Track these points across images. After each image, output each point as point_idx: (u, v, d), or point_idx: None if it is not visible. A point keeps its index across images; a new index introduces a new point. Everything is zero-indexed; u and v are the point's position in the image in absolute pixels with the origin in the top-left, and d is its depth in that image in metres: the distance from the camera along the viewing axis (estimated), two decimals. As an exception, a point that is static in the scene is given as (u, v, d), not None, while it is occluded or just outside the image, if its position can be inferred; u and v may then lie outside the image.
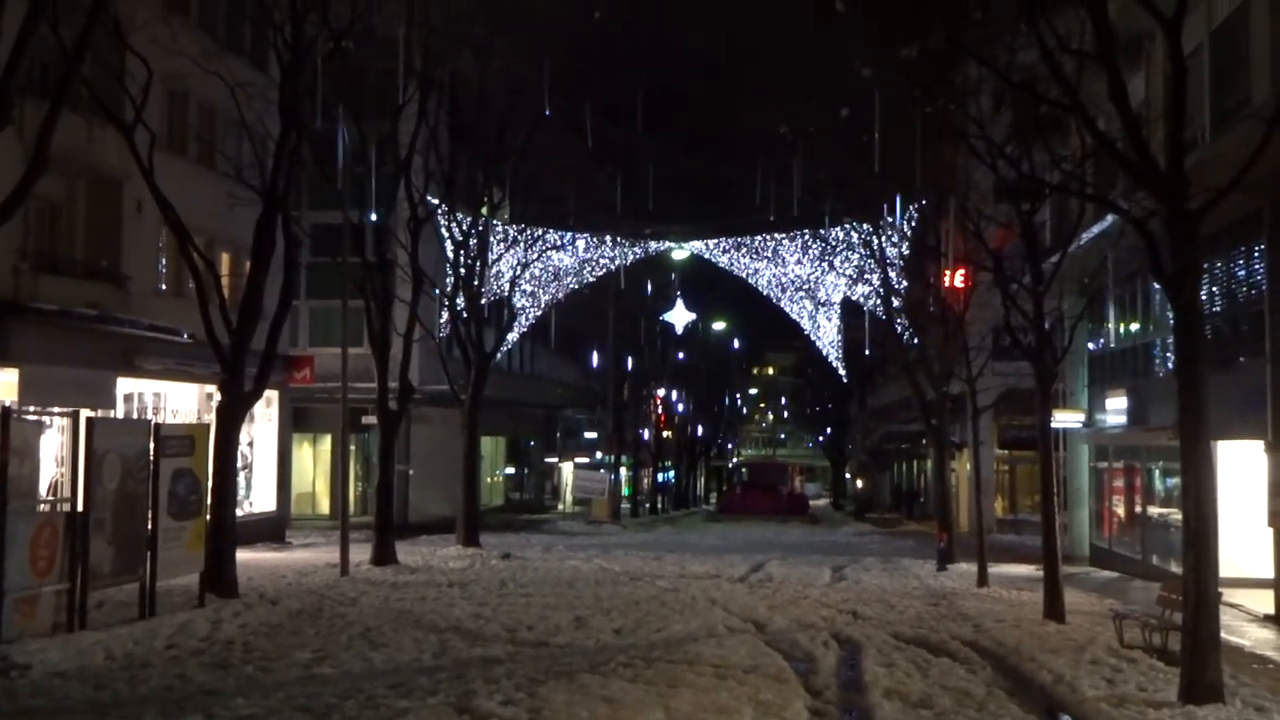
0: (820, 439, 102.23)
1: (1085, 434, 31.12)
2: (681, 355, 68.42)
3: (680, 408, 74.88)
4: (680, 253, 49.46)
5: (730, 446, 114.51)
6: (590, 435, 66.87)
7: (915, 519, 57.16)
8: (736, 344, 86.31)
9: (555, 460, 64.39)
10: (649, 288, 57.47)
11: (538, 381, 57.47)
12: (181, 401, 29.80)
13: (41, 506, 16.23)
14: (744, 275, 46.84)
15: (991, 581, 24.48)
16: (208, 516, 18.71)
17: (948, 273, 30.08)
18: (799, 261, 43.50)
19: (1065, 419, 30.18)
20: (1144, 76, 24.00)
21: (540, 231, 38.56)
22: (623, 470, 58.31)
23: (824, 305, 45.61)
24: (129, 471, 16.20)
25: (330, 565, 25.09)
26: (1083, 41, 14.70)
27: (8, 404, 17.25)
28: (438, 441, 41.00)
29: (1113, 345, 29.29)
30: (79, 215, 26.10)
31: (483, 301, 34.74)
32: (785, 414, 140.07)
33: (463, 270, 33.15)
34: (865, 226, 35.04)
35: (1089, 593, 23.19)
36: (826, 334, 47.12)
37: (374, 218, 28.14)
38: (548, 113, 32.26)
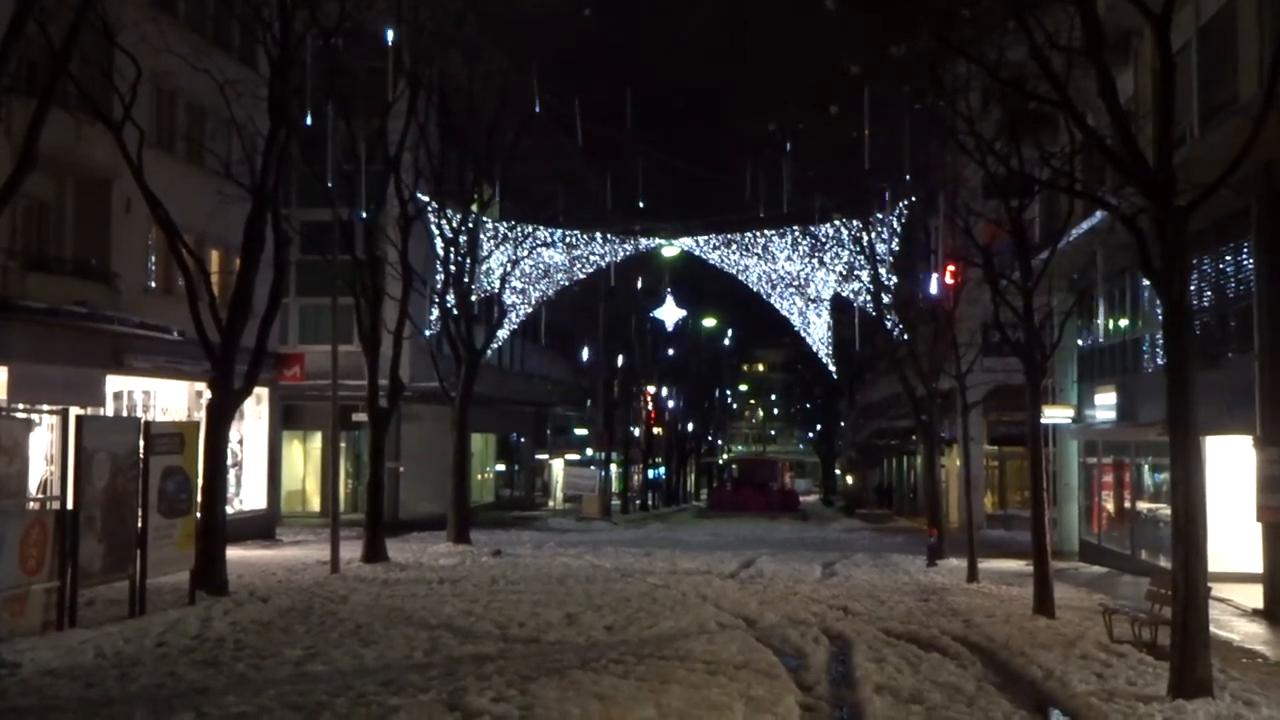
0: (810, 435, 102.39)
1: (1075, 430, 31.19)
2: (672, 352, 68.35)
3: (671, 404, 74.85)
4: (670, 249, 49.41)
5: (720, 443, 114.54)
6: (581, 432, 66.84)
7: (905, 514, 57.27)
8: (727, 341, 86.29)
9: (546, 457, 64.37)
10: (639, 284, 57.48)
11: (528, 378, 57.42)
12: (171, 399, 29.74)
13: (31, 505, 16.22)
14: (734, 272, 46.79)
15: (981, 577, 24.55)
16: (198, 514, 18.69)
17: (937, 269, 30.14)
18: (789, 258, 43.43)
19: (1055, 415, 30.26)
20: (1132, 73, 24.06)
21: (530, 228, 38.57)
22: (613, 467, 58.30)
23: (814, 302, 45.58)
24: (119, 469, 16.18)
25: (321, 563, 25.11)
26: (1071, 38, 14.70)
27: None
28: (428, 439, 40.97)
29: (1102, 341, 29.36)
30: (68, 213, 26.02)
31: (473, 298, 34.74)
32: (775, 410, 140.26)
33: (453, 267, 33.14)
34: (855, 223, 35.06)
35: (1078, 588, 23.24)
36: (816, 330, 47.11)
37: (364, 215, 28.09)
38: (538, 109, 32.24)
